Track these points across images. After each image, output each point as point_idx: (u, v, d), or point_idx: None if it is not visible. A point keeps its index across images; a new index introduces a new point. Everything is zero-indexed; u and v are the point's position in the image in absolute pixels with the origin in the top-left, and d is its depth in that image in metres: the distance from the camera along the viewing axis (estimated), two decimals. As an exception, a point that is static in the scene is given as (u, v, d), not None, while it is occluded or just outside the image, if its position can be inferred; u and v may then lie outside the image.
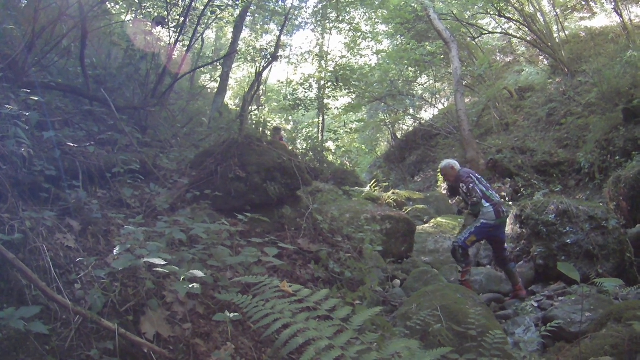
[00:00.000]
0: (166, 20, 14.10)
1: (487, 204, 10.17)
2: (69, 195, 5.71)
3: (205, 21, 15.55)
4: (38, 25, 9.76)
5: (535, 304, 9.61)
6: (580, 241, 10.95)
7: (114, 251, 4.59)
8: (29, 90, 7.42)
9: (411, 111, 37.94)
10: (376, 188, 22.40)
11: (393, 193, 20.13)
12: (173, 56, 13.81)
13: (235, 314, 4.38)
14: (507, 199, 20.07)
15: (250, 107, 18.14)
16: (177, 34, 13.48)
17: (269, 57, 25.44)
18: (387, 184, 25.35)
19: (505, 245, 10.89)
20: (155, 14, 15.46)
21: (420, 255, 12.89)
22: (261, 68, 23.95)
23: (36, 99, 6.81)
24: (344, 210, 12.27)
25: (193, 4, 14.52)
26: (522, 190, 20.38)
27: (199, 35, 13.62)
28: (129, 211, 6.61)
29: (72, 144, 7.18)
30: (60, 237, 4.73)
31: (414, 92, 35.80)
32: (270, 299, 3.37)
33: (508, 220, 12.68)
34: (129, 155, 8.20)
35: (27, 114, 6.31)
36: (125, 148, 9.05)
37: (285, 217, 8.31)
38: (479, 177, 10.85)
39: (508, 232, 12.52)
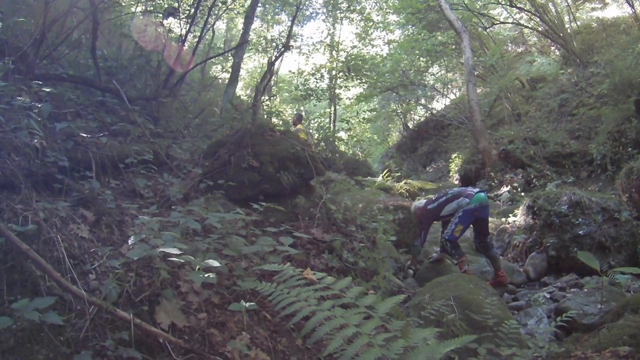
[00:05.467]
0: (177, 12, 14.05)
1: (457, 202, 10.46)
2: (82, 186, 5.69)
3: (216, 12, 15.45)
4: (48, 18, 9.75)
5: (548, 295, 9.53)
6: (592, 233, 10.89)
7: (129, 241, 4.56)
8: (40, 82, 7.36)
9: (423, 101, 37.87)
10: (388, 178, 22.37)
11: (405, 183, 20.09)
12: (184, 47, 13.80)
13: (251, 303, 4.36)
14: (519, 189, 19.99)
15: (262, 97, 18.04)
16: (189, 25, 13.44)
17: (281, 47, 25.37)
18: (399, 174, 25.28)
19: (489, 229, 10.92)
20: (166, 5, 15.40)
21: (433, 245, 12.83)
22: (273, 58, 23.86)
23: (48, 90, 6.74)
24: (357, 200, 12.26)
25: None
26: (534, 180, 20.25)
27: (209, 26, 13.54)
28: (142, 201, 6.59)
29: (84, 135, 7.15)
30: (74, 228, 4.71)
31: (426, 82, 35.69)
32: (294, 286, 3.35)
33: (520, 210, 12.72)
34: (141, 145, 8.19)
35: (39, 105, 6.28)
36: (138, 139, 9.05)
37: (299, 206, 8.29)
38: (436, 201, 11.01)
39: (520, 223, 12.72)
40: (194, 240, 5.17)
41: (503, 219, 14.49)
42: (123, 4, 15.09)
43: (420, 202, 11.67)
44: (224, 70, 34.38)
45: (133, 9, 17.44)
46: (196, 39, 15.68)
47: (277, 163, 8.16)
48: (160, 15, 14.38)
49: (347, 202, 9.54)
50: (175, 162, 8.77)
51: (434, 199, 11.16)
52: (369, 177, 21.55)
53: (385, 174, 22.88)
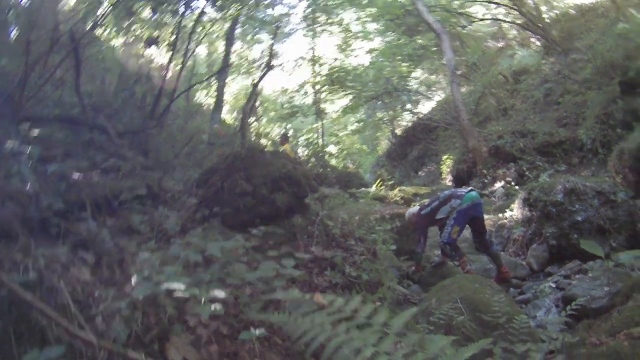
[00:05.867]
0: (158, 41, 14.06)
1: (449, 204, 10.63)
2: (79, 228, 5.67)
3: (197, 38, 15.49)
4: (31, 58, 9.74)
5: (553, 285, 9.61)
6: (590, 217, 10.99)
7: (132, 280, 4.54)
8: (28, 125, 7.34)
9: (408, 106, 37.95)
10: (382, 187, 22.40)
11: (399, 190, 20.10)
12: (167, 76, 13.80)
13: (261, 330, 4.35)
14: (512, 183, 20.02)
15: (249, 120, 18.07)
16: (171, 54, 13.43)
17: (264, 67, 25.44)
18: (392, 182, 25.30)
19: (485, 227, 11.04)
20: (146, 36, 15.41)
21: (433, 249, 12.83)
22: (257, 79, 23.91)
23: (36, 133, 6.72)
24: (353, 213, 12.18)
25: (182, 22, 14.46)
26: (526, 172, 20.31)
27: (191, 52, 13.52)
28: (140, 237, 6.54)
29: (76, 175, 7.12)
30: (75, 272, 4.69)
31: (410, 87, 35.78)
32: (305, 313, 3.35)
33: (516, 204, 12.79)
34: (133, 180, 8.17)
35: (29, 148, 6.26)
36: (129, 173, 9.02)
37: (296, 226, 8.25)
38: (429, 206, 11.17)
39: (518, 217, 12.85)
40: (196, 272, 5.15)
41: (500, 215, 14.52)
42: (102, 39, 15.05)
43: (414, 208, 11.83)
44: (209, 95, 34.48)
45: (113, 43, 17.48)
46: (178, 67, 15.67)
47: (270, 184, 8.10)
48: (141, 45, 14.40)
49: (343, 216, 9.48)
50: (169, 193, 8.72)
51: (426, 204, 11.33)
52: (362, 189, 21.59)
53: (378, 184, 22.90)
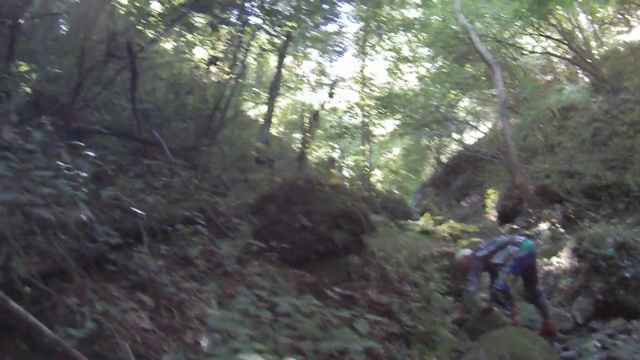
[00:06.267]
0: (218, 59, 13.88)
1: (506, 250, 10.25)
2: (134, 261, 5.37)
3: (250, 52, 15.28)
4: (85, 65, 9.52)
5: (598, 344, 9.22)
6: (638, 274, 10.69)
7: (202, 343, 4.22)
8: (81, 143, 6.99)
9: (455, 136, 37.77)
10: (430, 221, 22.10)
11: (447, 226, 19.81)
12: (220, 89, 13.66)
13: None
14: (557, 225, 19.58)
15: (307, 149, 17.82)
16: (230, 72, 13.24)
17: (316, 85, 25.42)
18: (440, 217, 24.91)
19: (537, 276, 10.72)
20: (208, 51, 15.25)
21: (480, 291, 12.52)
22: (319, 107, 23.65)
23: (92, 154, 6.34)
24: (400, 246, 11.93)
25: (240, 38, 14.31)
26: (572, 216, 19.88)
27: (244, 66, 13.33)
28: (196, 270, 6.24)
29: (130, 202, 6.75)
30: (134, 317, 4.39)
31: (457, 116, 35.58)
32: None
33: (564, 253, 12.48)
34: (187, 203, 7.93)
35: (81, 170, 5.95)
36: (181, 191, 8.76)
37: (352, 265, 7.99)
38: (486, 248, 10.74)
39: (565, 265, 12.44)
40: (261, 322, 4.82)
41: (545, 259, 14.17)
42: (160, 52, 14.88)
43: (466, 251, 11.46)
44: (256, 106, 34.43)
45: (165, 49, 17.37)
46: (230, 77, 15.45)
47: (329, 221, 7.92)
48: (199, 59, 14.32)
49: (398, 257, 9.19)
50: (222, 218, 8.46)
51: (482, 246, 10.93)
52: (409, 221, 21.42)
53: (427, 218, 22.61)
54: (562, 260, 13.02)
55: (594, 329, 10.42)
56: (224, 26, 13.76)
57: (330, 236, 7.83)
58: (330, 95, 24.92)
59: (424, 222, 21.48)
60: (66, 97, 9.25)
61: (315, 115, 20.46)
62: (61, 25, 14.67)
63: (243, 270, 6.64)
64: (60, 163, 5.76)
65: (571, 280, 11.99)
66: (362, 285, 7.61)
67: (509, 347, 6.75)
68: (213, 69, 14.53)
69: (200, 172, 11.16)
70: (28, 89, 8.47)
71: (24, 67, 8.68)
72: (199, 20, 14.74)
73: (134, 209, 6.35)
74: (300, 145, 20.17)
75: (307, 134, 19.07)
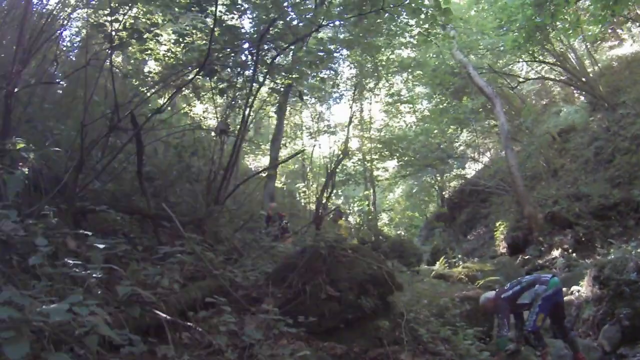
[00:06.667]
0: (229, 128, 13.72)
1: (534, 290, 10.10)
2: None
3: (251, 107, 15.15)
4: (86, 141, 9.28)
5: (628, 372, 9.00)
6: (663, 296, 10.56)
7: None
8: (88, 233, 6.59)
9: (457, 171, 37.85)
10: (445, 265, 21.90)
11: (463, 267, 19.59)
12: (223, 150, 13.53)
13: None
14: (569, 250, 19.48)
15: (323, 207, 17.52)
16: (237, 141, 13.09)
17: (339, 156, 25.43)
18: (455, 259, 24.67)
19: (565, 313, 10.71)
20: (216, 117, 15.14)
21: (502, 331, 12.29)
22: (332, 166, 23.41)
23: (101, 246, 5.95)
24: (419, 296, 11.72)
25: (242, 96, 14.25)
26: (582, 239, 19.70)
27: (247, 123, 13.17)
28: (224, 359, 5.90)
29: (147, 294, 6.26)
30: None
31: (456, 150, 35.60)
32: None
33: (586, 282, 12.53)
34: (204, 282, 7.73)
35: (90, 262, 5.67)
36: (194, 267, 8.47)
37: (382, 329, 7.74)
38: (511, 290, 10.63)
39: (587, 295, 12.37)
40: None
41: (564, 289, 13.98)
42: (165, 120, 14.71)
43: (490, 293, 11.24)
44: (256, 158, 34.41)
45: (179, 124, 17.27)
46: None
47: (356, 288, 7.75)
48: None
49: (426, 314, 8.96)
50: (241, 291, 8.13)
51: (507, 288, 10.81)
52: (423, 266, 21.35)
53: (442, 261, 22.38)
54: (582, 289, 13.01)
55: (622, 355, 10.48)
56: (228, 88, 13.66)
57: (358, 303, 7.65)
58: (346, 153, 24.94)
59: (439, 266, 21.28)
60: (67, 174, 8.97)
61: (331, 174, 20.18)
62: (58, 85, 14.48)
63: (272, 352, 6.32)
64: (71, 261, 5.42)
65: (595, 309, 11.87)
66: (395, 350, 7.38)
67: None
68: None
69: (210, 238, 10.86)
70: (26, 170, 8.13)
71: (20, 144, 8.34)
72: (204, 82, 14.64)
73: (151, 299, 5.98)
74: (315, 206, 19.87)
75: (324, 195, 18.76)
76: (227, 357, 5.95)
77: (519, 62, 31.39)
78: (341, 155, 25.43)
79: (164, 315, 5.88)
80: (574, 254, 18.94)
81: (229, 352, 6.01)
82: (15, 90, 9.69)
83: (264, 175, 21.80)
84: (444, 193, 40.02)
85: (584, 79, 26.74)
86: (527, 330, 9.89)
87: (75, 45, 17.72)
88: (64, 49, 16.02)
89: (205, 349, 6.08)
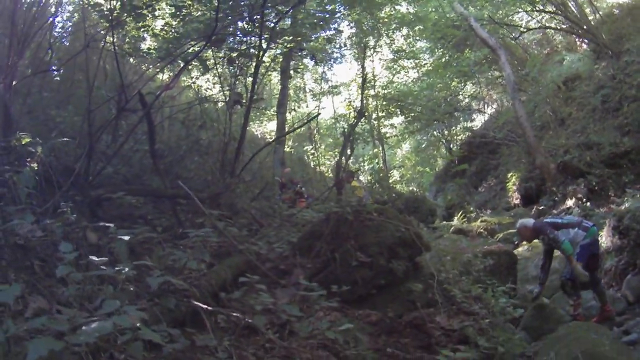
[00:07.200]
0: (242, 99, 13.52)
1: (572, 232, 10.06)
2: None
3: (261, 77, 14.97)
4: (93, 127, 9.13)
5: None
6: (685, 242, 10.42)
7: None
8: (109, 225, 6.34)
9: (462, 123, 37.70)
10: (464, 219, 21.76)
11: (481, 221, 19.49)
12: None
13: None
14: (583, 200, 19.41)
15: (342, 172, 17.27)
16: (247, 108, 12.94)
17: (356, 116, 25.24)
18: (473, 213, 24.55)
19: (600, 263, 10.82)
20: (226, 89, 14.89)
21: (525, 284, 12.17)
22: (349, 130, 23.17)
23: (126, 238, 5.69)
24: (443, 254, 11.63)
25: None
26: (596, 188, 19.59)
27: (253, 92, 12.98)
28: (262, 339, 5.70)
29: (180, 282, 6.01)
30: None
31: (462, 103, 35.58)
32: None
33: (605, 232, 12.49)
34: (232, 260, 7.63)
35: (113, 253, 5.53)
36: (217, 243, 8.36)
37: (414, 292, 7.61)
38: (551, 219, 10.90)
39: (608, 245, 12.25)
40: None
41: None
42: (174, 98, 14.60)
43: (528, 220, 11.40)
44: (262, 124, 34.26)
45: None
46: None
47: (386, 252, 7.63)
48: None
49: (454, 272, 8.82)
50: (268, 264, 7.98)
51: (548, 218, 11.21)
52: (438, 222, 21.22)
53: (460, 216, 22.23)
54: (603, 239, 12.68)
55: (650, 305, 10.15)
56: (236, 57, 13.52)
57: (389, 267, 7.54)
58: (361, 115, 24.64)
59: (457, 221, 21.18)
60: (79, 164, 8.81)
61: (348, 137, 19.90)
62: (54, 73, 14.29)
63: (312, 327, 6.14)
64: (95, 259, 5.17)
65: (616, 259, 11.77)
66: (429, 313, 7.25)
67: (579, 345, 6.60)
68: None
69: (227, 211, 10.71)
70: (35, 165, 7.90)
71: (26, 139, 8.09)
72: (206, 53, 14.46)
73: (183, 286, 5.77)
74: (335, 170, 19.71)
75: (343, 158, 18.58)
76: (268, 337, 5.79)
77: (519, 12, 31.26)
78: (356, 117, 25.16)
79: (199, 304, 5.69)
80: (588, 203, 18.85)
81: (269, 332, 5.84)
82: (14, 83, 9.56)
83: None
84: (452, 147, 39.93)
85: (585, 27, 26.41)
86: (565, 278, 9.94)
87: (68, 30, 17.56)
88: (57, 35, 15.77)
89: (243, 331, 5.93)
